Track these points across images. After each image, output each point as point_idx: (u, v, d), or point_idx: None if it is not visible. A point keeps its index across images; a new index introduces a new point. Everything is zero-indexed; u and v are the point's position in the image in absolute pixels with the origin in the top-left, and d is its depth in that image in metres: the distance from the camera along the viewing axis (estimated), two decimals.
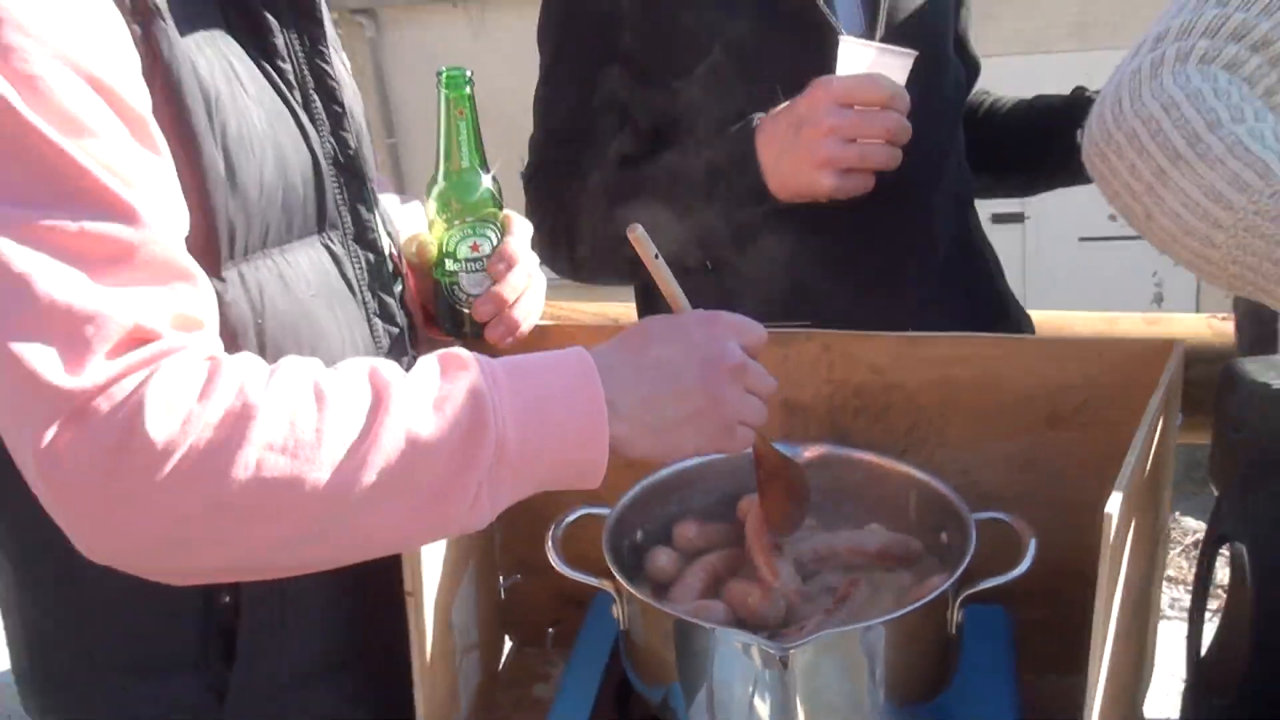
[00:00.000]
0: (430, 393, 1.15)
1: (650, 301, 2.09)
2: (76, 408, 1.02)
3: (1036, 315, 2.70)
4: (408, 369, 1.42)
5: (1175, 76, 1.44)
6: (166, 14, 1.18)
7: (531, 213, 1.98)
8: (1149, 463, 1.34)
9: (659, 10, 1.88)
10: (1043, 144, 2.12)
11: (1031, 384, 1.56)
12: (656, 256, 1.38)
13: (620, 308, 2.55)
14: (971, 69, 2.19)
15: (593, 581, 1.44)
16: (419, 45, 11.65)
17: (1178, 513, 6.26)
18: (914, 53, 1.75)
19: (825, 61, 1.76)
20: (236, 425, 1.05)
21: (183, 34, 1.20)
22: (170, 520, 1.05)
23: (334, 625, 1.40)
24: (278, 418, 1.07)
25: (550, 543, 1.42)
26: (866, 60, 1.73)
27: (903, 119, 1.71)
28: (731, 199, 1.79)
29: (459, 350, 1.20)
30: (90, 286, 1.04)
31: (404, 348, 1.49)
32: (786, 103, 1.75)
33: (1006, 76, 2.24)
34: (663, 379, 1.26)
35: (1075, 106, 2.08)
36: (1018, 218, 11.14)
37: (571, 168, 1.93)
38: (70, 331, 1.03)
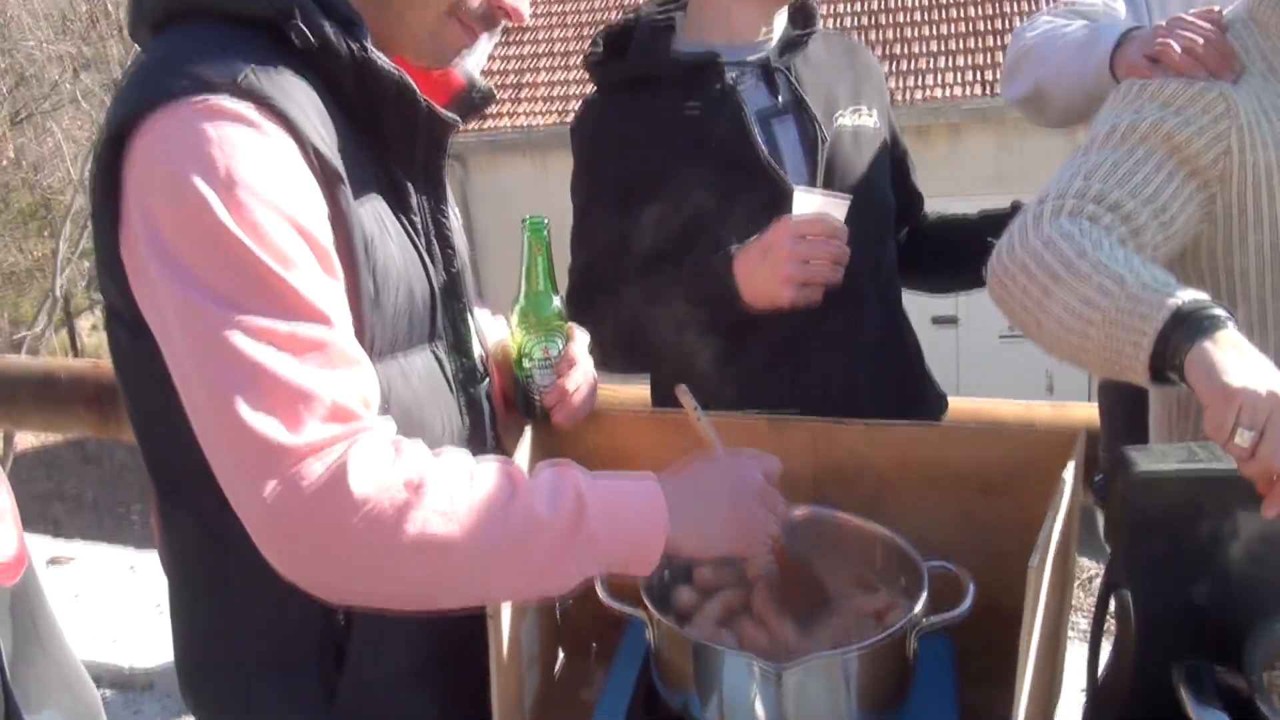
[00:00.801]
0: (547, 486, 1.23)
1: (659, 389, 2.15)
2: (294, 462, 1.08)
3: (969, 402, 2.71)
4: (489, 447, 1.46)
5: (1052, 224, 1.51)
6: (345, 180, 1.23)
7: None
8: (1061, 525, 1.34)
9: (655, 175, 1.93)
10: (961, 255, 2.12)
11: (969, 462, 1.57)
12: (696, 408, 1.50)
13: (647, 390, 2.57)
14: (915, 198, 2.24)
15: (629, 610, 1.45)
16: (496, 183, 11.76)
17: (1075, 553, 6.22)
18: (849, 197, 1.81)
19: (780, 205, 1.82)
20: (414, 493, 1.13)
21: (354, 193, 1.25)
22: (357, 557, 1.12)
23: (425, 640, 1.41)
24: (443, 491, 1.15)
25: (598, 579, 1.42)
26: (814, 204, 1.79)
27: (844, 246, 1.79)
28: (714, 306, 1.86)
29: (570, 462, 1.29)
30: (301, 370, 1.11)
31: (484, 430, 1.51)
32: (757, 235, 1.83)
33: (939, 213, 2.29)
34: (704, 495, 1.35)
35: (984, 225, 2.12)
36: (953, 320, 11.14)
37: (599, 288, 1.97)
38: (290, 404, 1.09)
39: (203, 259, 1.11)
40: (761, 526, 1.38)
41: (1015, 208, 2.15)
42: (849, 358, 1.97)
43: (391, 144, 1.34)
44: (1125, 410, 2.34)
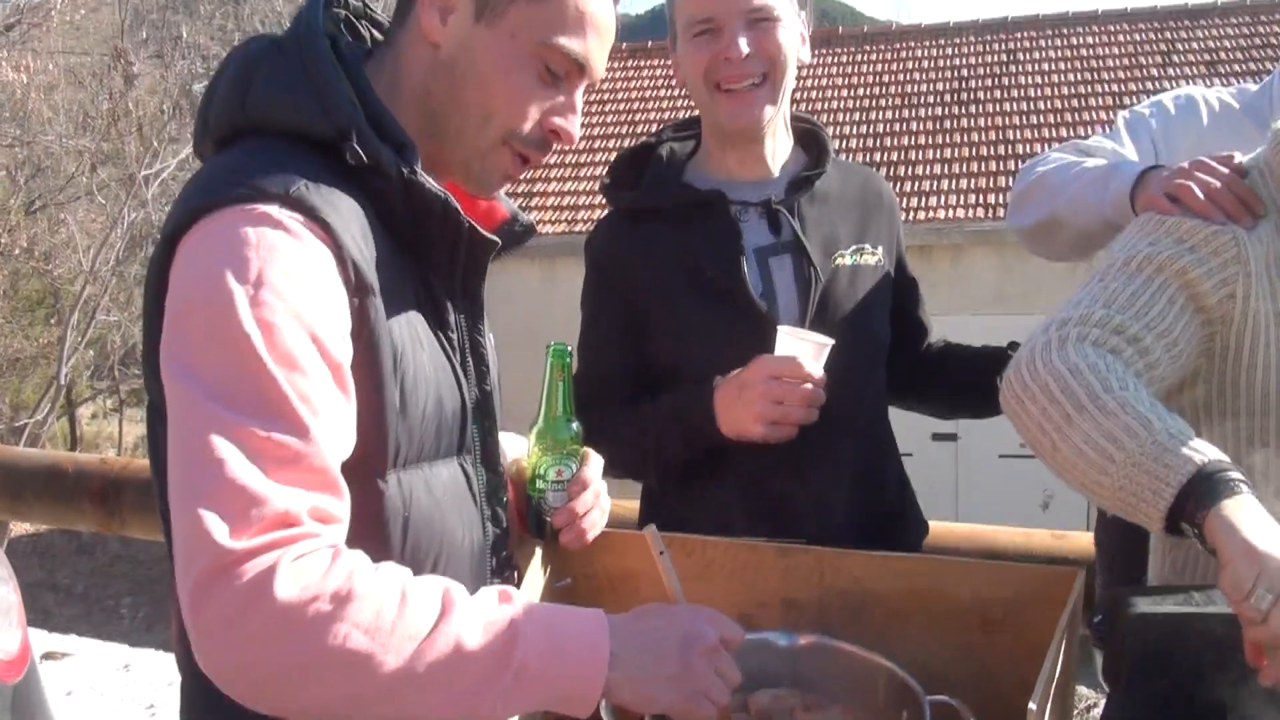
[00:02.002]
0: (483, 616, 1.18)
1: (651, 498, 2.18)
2: (229, 563, 1.07)
3: (968, 528, 2.73)
4: (505, 562, 1.47)
5: (1077, 350, 1.53)
6: (377, 292, 1.27)
7: None
8: (1060, 663, 1.37)
9: (655, 302, 2.04)
10: (960, 389, 2.25)
11: (971, 596, 1.59)
12: (661, 553, 1.49)
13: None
14: (919, 329, 2.30)
15: None
16: (504, 288, 11.85)
17: (1074, 687, 6.14)
18: (831, 341, 1.87)
19: (767, 343, 1.90)
20: (339, 604, 1.10)
21: (386, 306, 1.29)
22: (275, 665, 1.09)
23: None
24: (369, 605, 1.12)
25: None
26: (795, 345, 1.86)
27: (817, 390, 1.86)
28: (694, 433, 1.94)
29: (511, 589, 1.25)
30: (262, 478, 1.11)
31: (504, 544, 1.53)
32: (738, 370, 1.90)
33: (942, 331, 2.35)
34: (651, 643, 1.27)
35: (983, 363, 2.19)
36: (952, 437, 11.15)
37: (597, 400, 2.00)
38: (241, 509, 1.09)
39: (209, 352, 1.15)
40: (706, 689, 1.28)
41: (1013, 347, 2.21)
42: (824, 490, 2.01)
43: (434, 262, 1.40)
44: (1124, 544, 2.36)
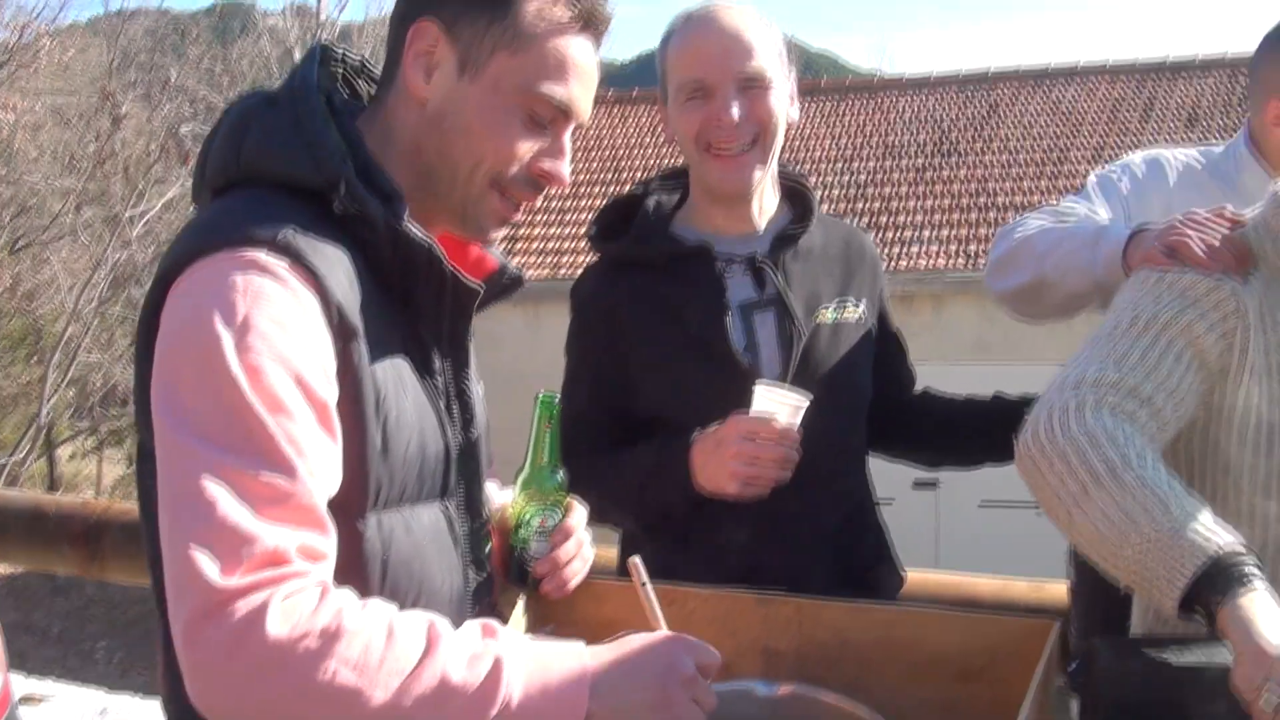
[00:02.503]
0: (468, 650, 1.21)
1: (628, 546, 2.17)
2: (220, 601, 1.11)
3: (946, 576, 2.75)
4: (486, 609, 1.48)
5: (1095, 417, 1.57)
6: (361, 336, 1.31)
7: None
8: (1035, 714, 1.38)
9: (638, 352, 2.06)
10: (945, 441, 2.30)
11: (948, 647, 1.60)
12: (644, 584, 1.48)
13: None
14: (904, 382, 2.33)
15: None
16: (489, 332, 11.81)
17: None
18: (808, 399, 1.88)
19: (747, 396, 1.91)
20: (328, 641, 1.13)
21: (371, 350, 1.33)
22: (266, 697, 1.12)
23: None
24: (357, 642, 1.14)
25: None
26: (772, 402, 1.87)
27: (790, 450, 1.88)
28: (671, 486, 1.96)
29: (495, 624, 1.28)
30: (253, 517, 1.15)
31: (486, 590, 1.55)
32: (716, 424, 1.91)
33: (923, 379, 2.38)
34: (631, 673, 1.29)
35: (979, 413, 2.24)
36: (933, 484, 11.15)
37: (583, 446, 2.01)
38: (232, 548, 1.13)
39: (197, 394, 1.19)
40: (684, 715, 1.30)
41: (996, 398, 2.24)
42: (801, 544, 2.02)
43: (420, 309, 1.44)
44: (1096, 591, 2.38)
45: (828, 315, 2.09)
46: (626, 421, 2.08)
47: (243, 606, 1.11)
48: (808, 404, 1.87)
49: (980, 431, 2.20)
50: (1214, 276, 1.69)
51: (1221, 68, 14.44)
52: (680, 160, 2.19)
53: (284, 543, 1.15)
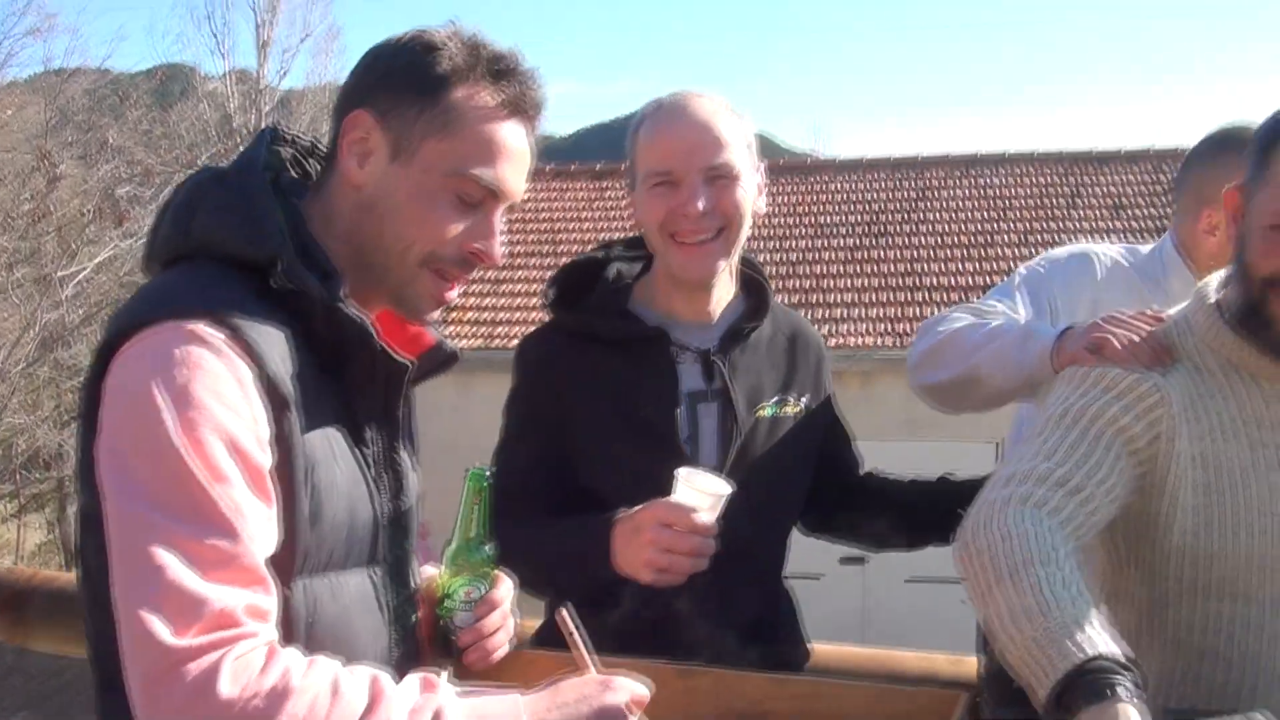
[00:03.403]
0: (409, 703, 1.26)
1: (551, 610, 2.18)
2: (173, 663, 1.17)
3: (869, 650, 2.78)
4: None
5: (1017, 515, 1.64)
6: (294, 407, 1.36)
7: None
8: None
9: (584, 426, 2.07)
10: (885, 525, 2.31)
11: (864, 717, 1.63)
12: (573, 632, 1.51)
13: None
14: (848, 466, 2.37)
15: None
16: (420, 401, 11.79)
17: None
18: (728, 490, 1.84)
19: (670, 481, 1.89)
20: (276, 700, 1.19)
21: (304, 420, 1.38)
22: None
23: None
24: (304, 700, 1.20)
25: None
26: (690, 493, 1.83)
27: (707, 541, 1.83)
28: (590, 565, 1.94)
29: (434, 676, 1.33)
30: (201, 580, 1.21)
31: (412, 658, 1.58)
32: (638, 508, 1.89)
33: None
34: (568, 712, 1.36)
35: (910, 498, 2.29)
36: (860, 560, 11.20)
37: (510, 513, 2.00)
38: (182, 610, 1.19)
39: (142, 463, 1.25)
40: None
41: (942, 480, 2.30)
42: (717, 634, 2.01)
43: (353, 383, 1.48)
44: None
45: (767, 411, 2.13)
46: (560, 488, 2.08)
47: (195, 668, 1.16)
48: (728, 494, 1.84)
49: (924, 513, 2.25)
50: (1137, 372, 1.77)
51: (1146, 159, 14.89)
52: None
53: (231, 603, 1.21)
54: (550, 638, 2.14)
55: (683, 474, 1.83)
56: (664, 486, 1.90)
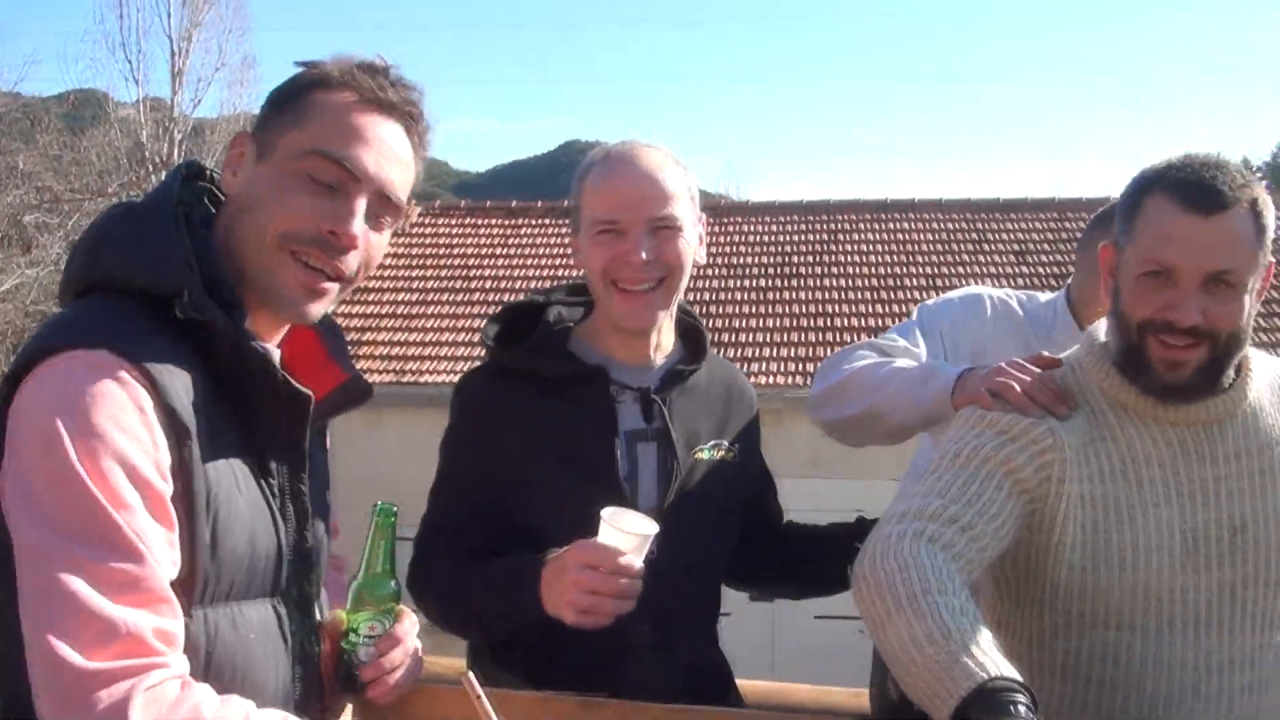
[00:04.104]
0: None
1: (477, 658, 2.17)
2: (86, 688, 1.19)
3: (772, 685, 2.79)
4: (315, 711, 1.51)
5: (912, 548, 1.71)
6: (194, 436, 1.37)
7: (412, 579, 2.10)
8: None
9: (523, 464, 2.06)
10: (808, 569, 2.34)
11: None
12: (479, 697, 1.52)
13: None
14: (773, 517, 2.41)
15: None
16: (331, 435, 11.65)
17: None
18: (654, 530, 1.84)
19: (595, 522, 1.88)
20: None
21: (204, 449, 1.39)
22: None
23: None
24: None
25: None
26: (615, 534, 1.83)
27: (630, 582, 1.82)
28: (518, 606, 1.92)
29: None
30: (109, 604, 1.23)
31: (314, 691, 1.59)
32: (562, 550, 1.88)
33: None
34: None
35: (829, 542, 2.31)
36: (769, 597, 11.22)
37: (440, 549, 2.05)
38: (92, 634, 1.21)
39: (48, 492, 1.26)
40: None
41: (860, 523, 2.33)
42: (655, 677, 2.01)
43: (255, 413, 1.49)
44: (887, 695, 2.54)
45: (705, 453, 2.15)
46: (497, 529, 2.06)
47: (107, 696, 1.18)
48: (654, 535, 1.85)
49: (848, 555, 2.27)
50: (1032, 416, 1.86)
51: (1050, 208, 15.27)
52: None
53: (141, 626, 1.23)
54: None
55: (607, 514, 1.83)
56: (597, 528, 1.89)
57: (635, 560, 1.82)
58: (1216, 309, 1.77)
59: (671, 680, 2.03)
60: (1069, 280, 2.70)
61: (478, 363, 2.24)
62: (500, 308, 2.26)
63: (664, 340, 2.20)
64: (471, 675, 1.52)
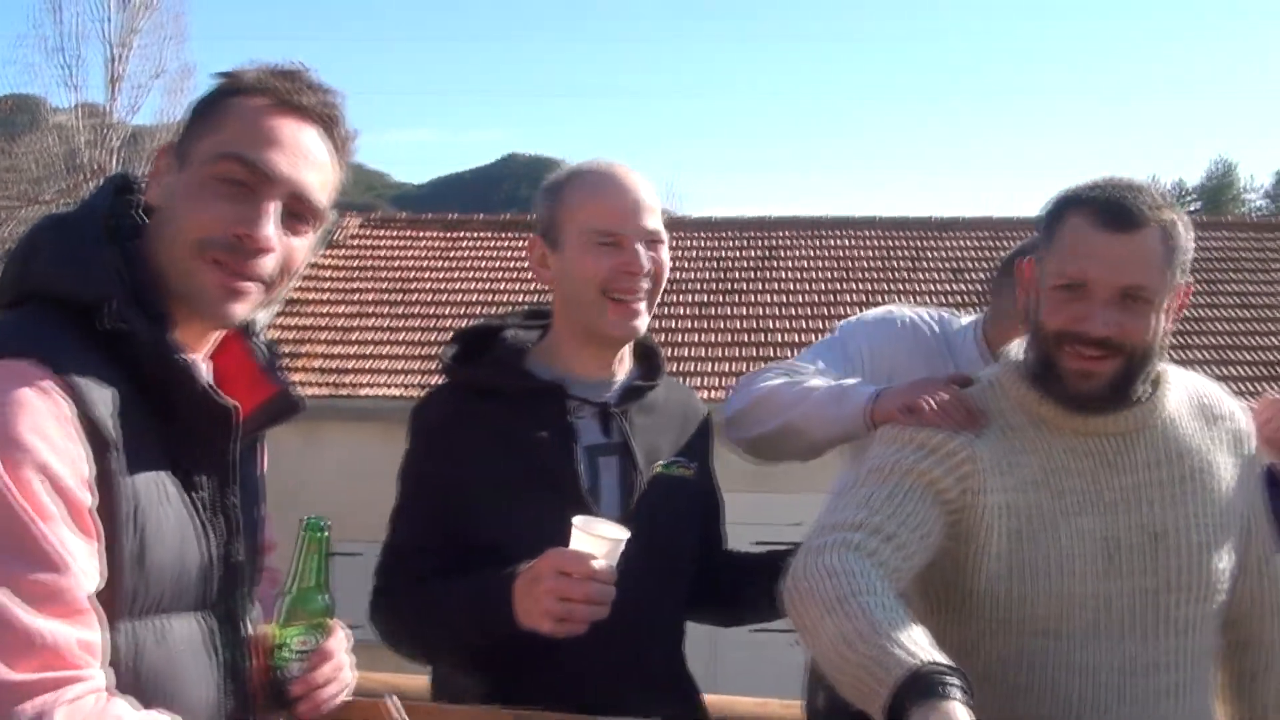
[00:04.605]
0: None
1: (442, 681, 2.17)
2: (6, 701, 1.18)
3: (710, 697, 2.80)
4: None
5: (839, 556, 1.76)
6: (118, 447, 1.37)
7: (378, 607, 2.09)
8: None
9: (485, 483, 2.05)
10: (745, 595, 2.35)
11: None
12: None
13: (402, 678, 2.57)
14: (716, 541, 2.40)
15: None
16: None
17: None
18: (625, 535, 1.86)
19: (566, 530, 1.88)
20: None
21: (129, 461, 1.38)
22: None
23: None
24: None
25: None
26: (587, 540, 1.84)
27: (604, 587, 1.83)
28: (491, 621, 1.92)
29: None
30: (30, 615, 1.22)
31: (243, 706, 1.56)
32: (536, 560, 1.88)
33: None
34: None
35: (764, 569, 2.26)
36: None
37: (406, 574, 2.04)
38: (12, 645, 1.20)
39: None
40: None
41: (797, 546, 2.35)
42: (627, 689, 2.01)
43: (181, 425, 1.48)
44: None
45: (665, 469, 2.17)
46: (461, 550, 2.05)
47: (30, 709, 1.17)
48: (625, 539, 1.85)
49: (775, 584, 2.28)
50: (948, 432, 1.92)
51: (984, 226, 15.50)
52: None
53: (63, 638, 1.22)
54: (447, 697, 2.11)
55: (579, 521, 1.85)
56: (568, 537, 1.88)
57: (609, 565, 1.83)
58: (1128, 323, 1.85)
59: (641, 696, 2.01)
60: (983, 314, 2.73)
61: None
62: (452, 329, 2.28)
63: (626, 355, 2.22)
64: (394, 699, 1.52)
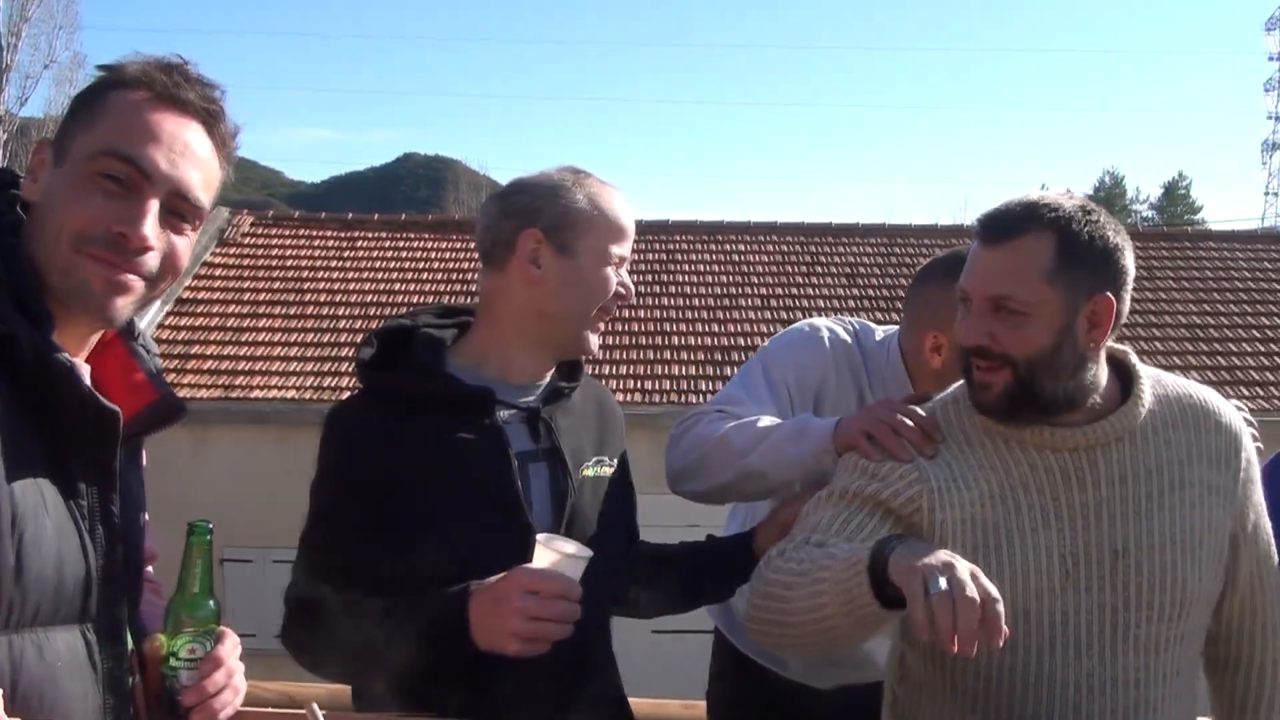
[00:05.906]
0: None
1: (371, 704, 2.09)
2: None
3: None
4: None
5: (794, 553, 1.87)
6: None
7: (292, 630, 2.01)
8: None
9: (414, 493, 1.97)
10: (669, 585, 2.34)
11: None
12: None
13: (295, 686, 2.54)
14: (632, 536, 2.37)
15: None
16: (151, 454, 11.22)
17: None
18: (589, 554, 1.84)
19: (526, 550, 1.86)
20: None
21: (10, 469, 1.33)
22: None
23: None
24: None
25: None
26: (552, 557, 1.81)
27: (572, 605, 1.81)
28: (442, 642, 1.85)
29: None
30: None
31: (126, 718, 1.52)
32: (495, 578, 1.84)
33: None
34: None
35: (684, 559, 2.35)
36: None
37: (328, 596, 1.93)
38: None
39: None
40: None
41: (710, 540, 2.41)
42: (568, 698, 2.00)
43: (62, 432, 1.42)
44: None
45: (590, 471, 2.14)
46: (386, 562, 1.96)
47: None
48: (588, 560, 1.83)
49: (699, 575, 2.33)
50: (904, 461, 1.95)
51: (880, 233, 15.75)
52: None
53: None
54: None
55: (542, 539, 1.81)
56: (506, 550, 1.85)
57: (576, 582, 1.80)
58: (1003, 334, 1.86)
59: (585, 708, 2.01)
60: (901, 328, 2.75)
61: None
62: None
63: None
64: (315, 708, 1.49)
